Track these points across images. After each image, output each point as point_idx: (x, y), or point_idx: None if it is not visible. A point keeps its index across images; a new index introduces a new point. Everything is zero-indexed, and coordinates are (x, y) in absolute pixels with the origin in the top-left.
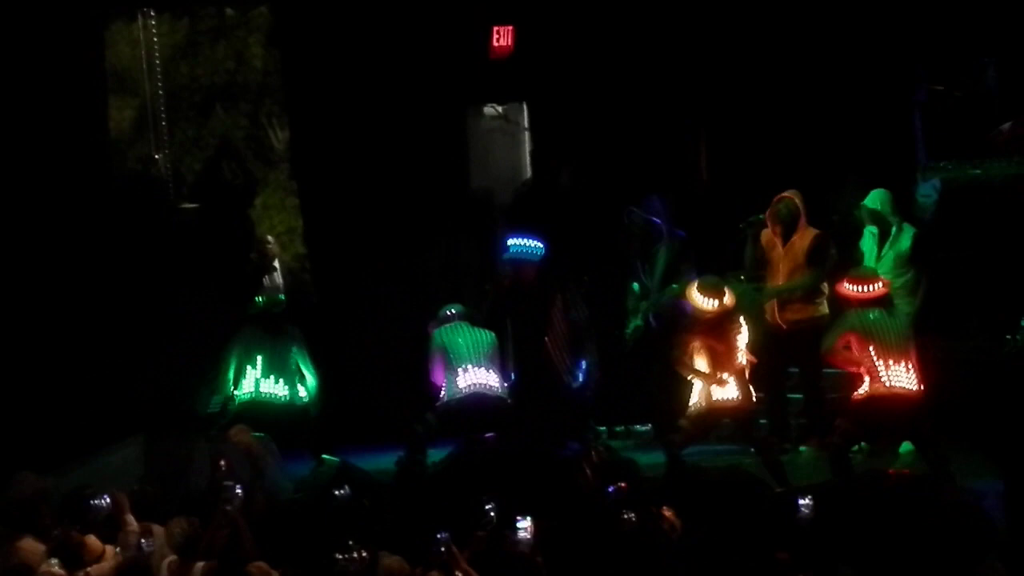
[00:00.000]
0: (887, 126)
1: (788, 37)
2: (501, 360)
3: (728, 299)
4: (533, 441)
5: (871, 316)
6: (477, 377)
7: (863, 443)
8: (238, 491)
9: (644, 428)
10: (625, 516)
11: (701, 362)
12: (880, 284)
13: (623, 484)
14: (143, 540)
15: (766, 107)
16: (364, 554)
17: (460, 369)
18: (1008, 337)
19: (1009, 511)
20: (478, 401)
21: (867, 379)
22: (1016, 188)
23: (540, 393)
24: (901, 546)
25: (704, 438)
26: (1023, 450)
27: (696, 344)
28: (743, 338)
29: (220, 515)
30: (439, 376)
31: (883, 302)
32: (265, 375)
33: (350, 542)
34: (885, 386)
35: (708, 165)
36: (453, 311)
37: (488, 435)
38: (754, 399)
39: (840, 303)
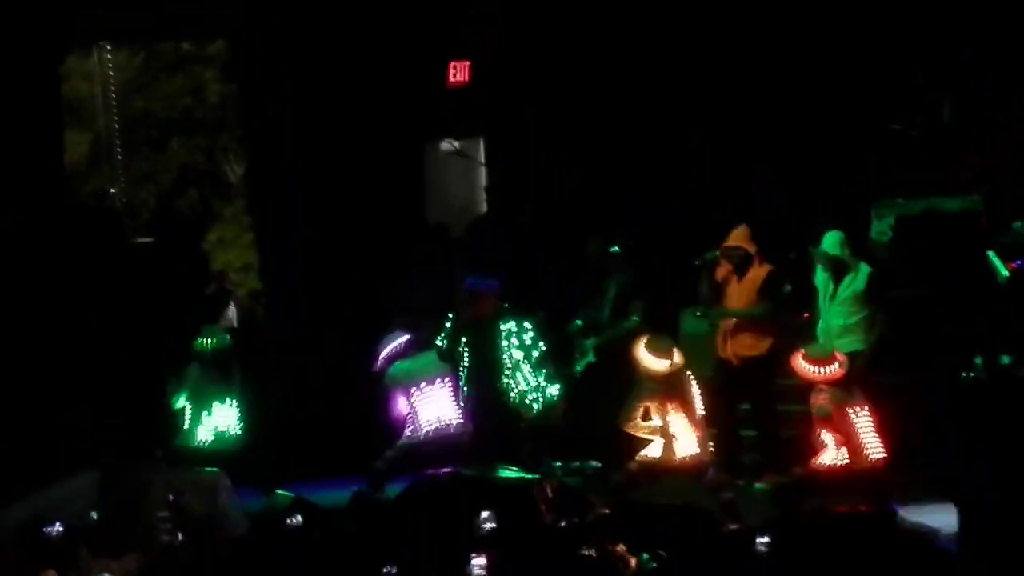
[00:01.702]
0: (844, 162)
1: (744, 73)
2: (455, 388)
3: (678, 358)
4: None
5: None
6: (440, 410)
7: None
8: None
9: (597, 465)
10: (582, 552)
11: (656, 420)
12: (836, 366)
13: (576, 519)
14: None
15: (722, 140)
16: None
17: (421, 400)
18: (964, 374)
19: (963, 548)
20: (441, 439)
21: (843, 450)
22: (968, 223)
23: (497, 426)
24: None
25: (651, 484)
26: (977, 487)
27: (649, 404)
28: (695, 390)
29: (159, 547)
30: (399, 410)
31: (839, 383)
32: (217, 422)
33: None
34: (868, 460)
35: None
36: (400, 343)
37: (444, 470)
38: (710, 451)
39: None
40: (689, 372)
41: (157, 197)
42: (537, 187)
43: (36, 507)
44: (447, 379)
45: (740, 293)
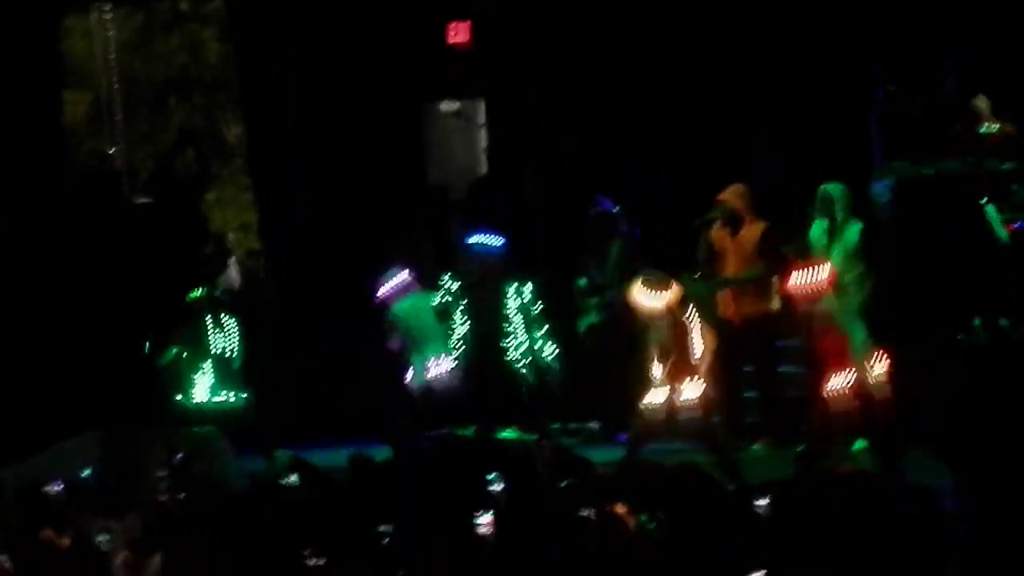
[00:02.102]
0: (845, 125)
1: (745, 31)
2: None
3: (673, 293)
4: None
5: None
6: (442, 367)
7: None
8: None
9: (596, 426)
10: (581, 513)
11: (657, 370)
12: (825, 274)
13: (575, 480)
14: (100, 537)
15: (723, 100)
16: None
17: (428, 354)
18: (960, 336)
19: (964, 511)
20: (443, 390)
21: (846, 371)
22: (968, 186)
23: (498, 387)
24: (859, 546)
25: (658, 437)
26: (976, 450)
27: (655, 352)
28: (696, 336)
29: (155, 507)
30: (398, 346)
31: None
32: (216, 381)
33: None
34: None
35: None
36: (402, 281)
37: (442, 431)
38: (711, 398)
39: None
40: (690, 314)
41: (155, 158)
42: (538, 149)
43: (36, 467)
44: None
45: (736, 253)
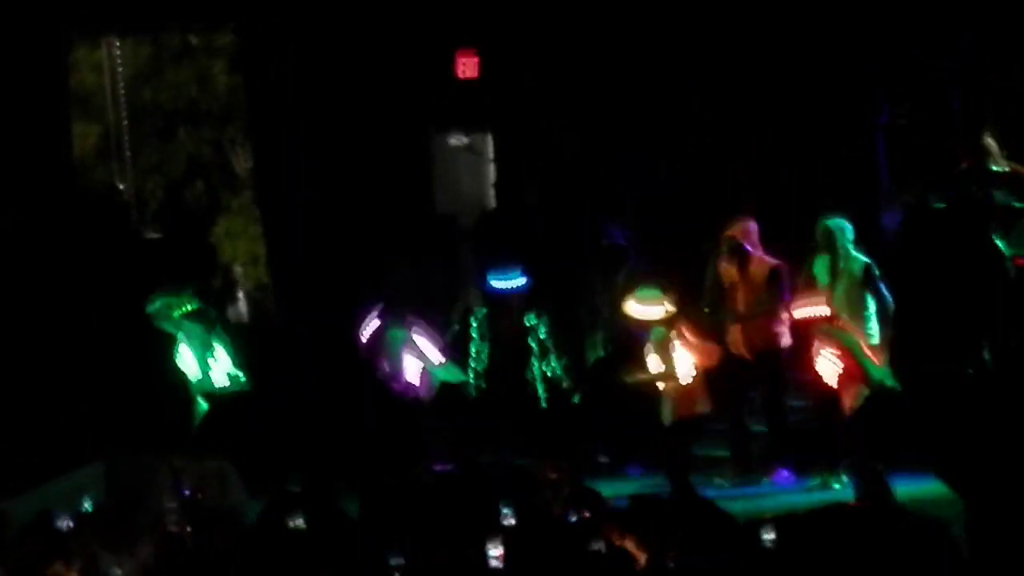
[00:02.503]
0: (851, 152)
1: (753, 63)
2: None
3: (670, 304)
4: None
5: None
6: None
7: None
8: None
9: (605, 459)
10: (593, 547)
11: (653, 361)
12: (824, 307)
13: (586, 513)
14: (113, 569)
15: (731, 132)
16: None
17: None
18: (969, 368)
19: (972, 539)
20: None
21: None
22: (978, 218)
23: (521, 413)
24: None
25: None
26: (985, 477)
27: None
28: (683, 355)
29: (165, 537)
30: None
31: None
32: (232, 363)
33: None
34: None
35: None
36: (374, 313)
37: (450, 464)
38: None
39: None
40: (684, 320)
41: (165, 188)
42: (540, 157)
43: (42, 499)
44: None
45: (744, 288)
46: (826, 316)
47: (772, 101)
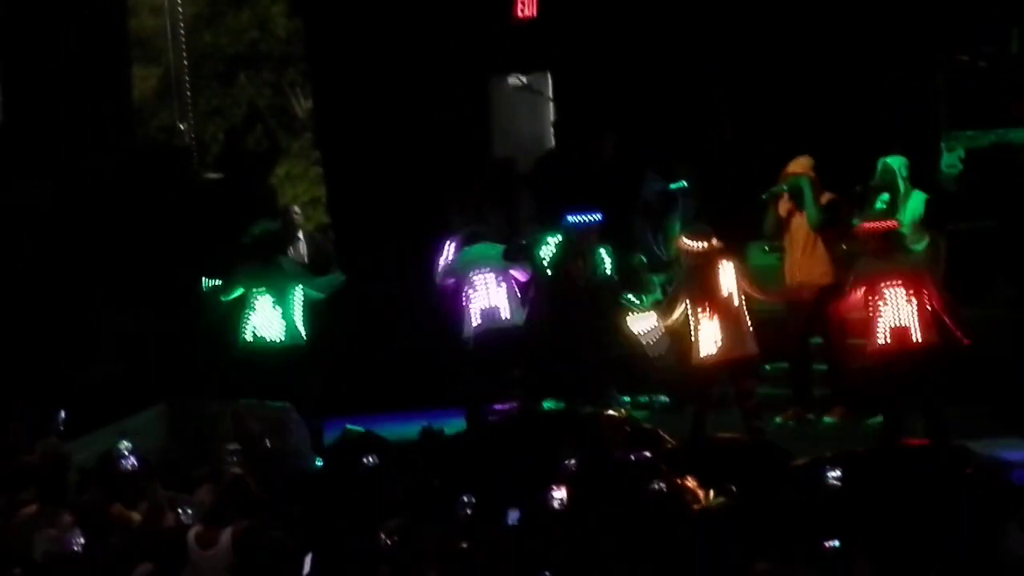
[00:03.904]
0: (910, 95)
1: (813, 2)
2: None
3: (715, 241)
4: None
5: (878, 263)
6: (491, 299)
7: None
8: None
9: (665, 399)
10: (653, 486)
11: (677, 311)
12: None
13: (647, 453)
14: (181, 510)
15: (790, 71)
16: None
17: (473, 294)
18: None
19: None
20: (491, 338)
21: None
22: None
23: (578, 357)
24: (922, 515)
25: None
26: None
27: (687, 298)
28: (727, 278)
29: (227, 479)
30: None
31: (893, 241)
32: (266, 319)
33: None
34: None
35: (733, 128)
36: (451, 248)
37: (504, 406)
38: (750, 346)
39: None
40: (726, 262)
41: (226, 132)
42: (610, 120)
43: (102, 442)
44: (501, 275)
45: (804, 227)
46: (893, 225)
47: (831, 39)
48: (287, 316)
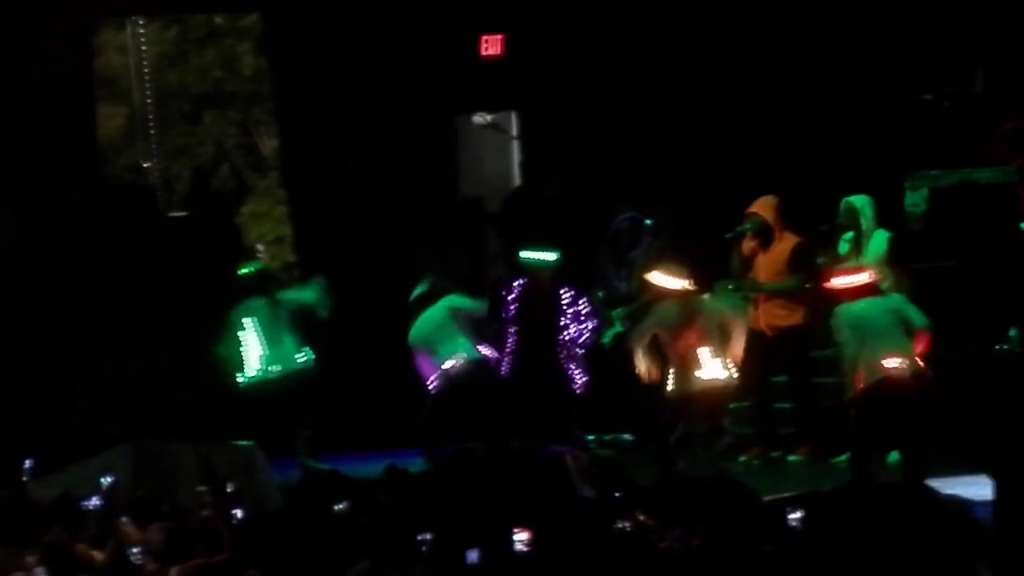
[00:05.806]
0: (874, 133)
1: (776, 43)
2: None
3: (691, 282)
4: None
5: (857, 308)
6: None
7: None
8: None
9: (630, 438)
10: (619, 526)
11: (642, 364)
12: (866, 275)
13: (616, 493)
14: (133, 549)
15: (755, 111)
16: None
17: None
18: (996, 347)
19: (998, 518)
20: (461, 379)
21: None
22: (1002, 195)
23: (543, 395)
24: (890, 555)
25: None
26: (1012, 458)
27: (659, 332)
28: (711, 322)
29: (196, 521)
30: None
31: (870, 291)
32: (267, 352)
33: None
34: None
35: (697, 169)
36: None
37: (474, 444)
38: (732, 378)
39: (831, 301)
40: (707, 303)
41: (192, 171)
42: (567, 155)
43: (71, 480)
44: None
45: (767, 265)
46: (867, 283)
47: (795, 80)
48: (288, 343)
